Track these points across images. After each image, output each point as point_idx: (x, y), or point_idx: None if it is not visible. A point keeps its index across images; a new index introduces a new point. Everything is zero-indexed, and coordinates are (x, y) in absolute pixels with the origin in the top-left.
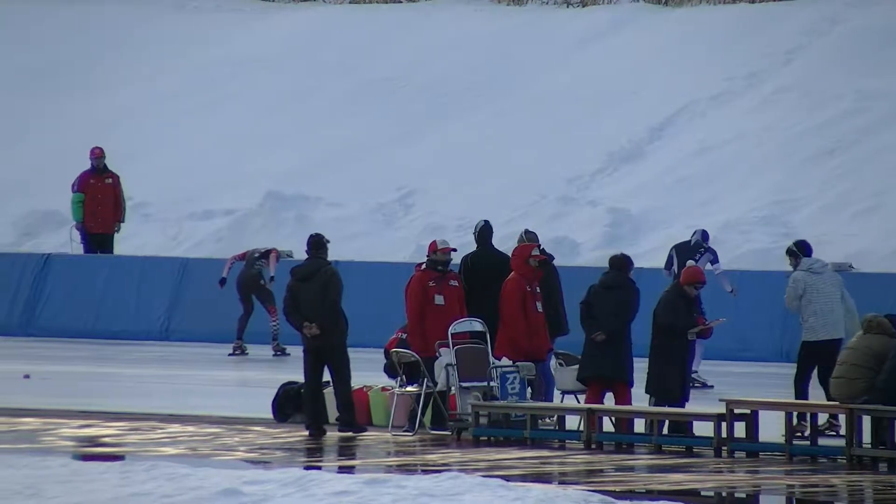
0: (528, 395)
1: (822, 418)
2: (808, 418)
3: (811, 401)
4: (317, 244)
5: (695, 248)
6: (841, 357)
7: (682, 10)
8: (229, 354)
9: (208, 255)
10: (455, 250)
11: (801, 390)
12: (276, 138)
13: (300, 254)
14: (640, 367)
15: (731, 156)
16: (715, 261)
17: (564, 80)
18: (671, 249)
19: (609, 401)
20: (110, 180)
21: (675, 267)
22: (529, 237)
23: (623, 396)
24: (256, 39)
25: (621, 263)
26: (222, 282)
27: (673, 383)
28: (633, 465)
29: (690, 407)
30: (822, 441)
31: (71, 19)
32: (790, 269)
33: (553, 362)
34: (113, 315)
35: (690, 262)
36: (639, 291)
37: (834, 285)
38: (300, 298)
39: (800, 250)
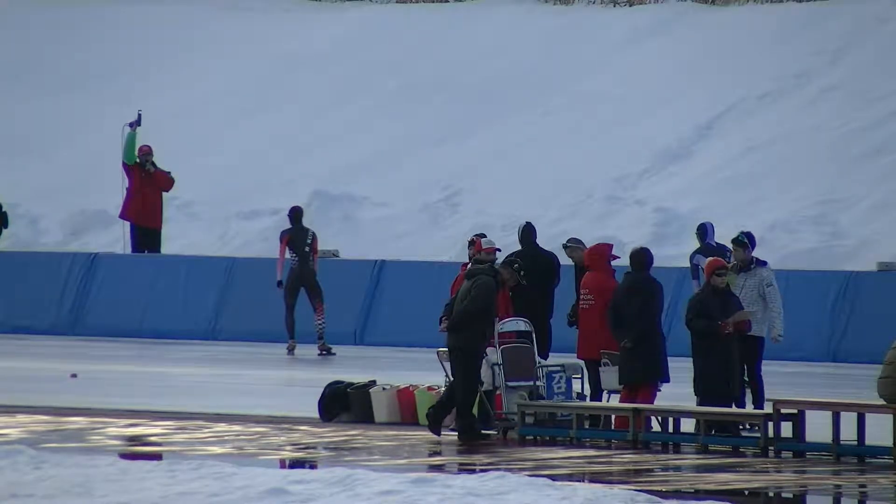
0: (574, 395)
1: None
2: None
3: (859, 400)
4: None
5: (721, 250)
6: (888, 356)
7: (730, 9)
8: (288, 354)
9: (255, 255)
10: (499, 250)
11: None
12: (322, 138)
13: (347, 253)
14: (683, 367)
15: (779, 155)
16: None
17: (611, 80)
18: (693, 258)
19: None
20: (152, 168)
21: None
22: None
23: (646, 397)
24: (305, 39)
25: (642, 262)
26: (280, 284)
27: (714, 382)
28: (679, 464)
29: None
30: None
31: (123, 21)
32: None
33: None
34: (160, 314)
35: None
36: (661, 288)
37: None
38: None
39: (750, 242)
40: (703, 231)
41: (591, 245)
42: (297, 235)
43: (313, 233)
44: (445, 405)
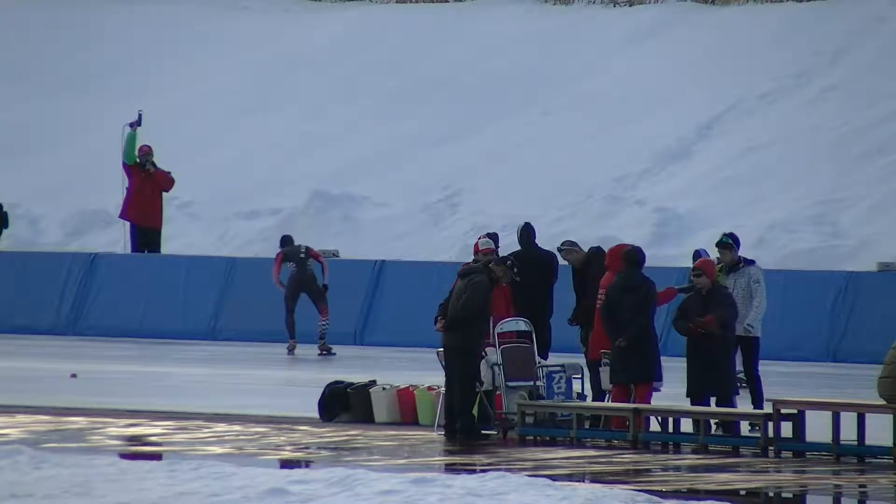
0: (574, 395)
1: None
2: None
3: (859, 400)
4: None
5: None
6: (888, 356)
7: (730, 9)
8: (288, 354)
9: (255, 255)
10: (497, 250)
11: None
12: (322, 138)
13: (346, 253)
14: (680, 367)
15: (779, 155)
16: None
17: (611, 80)
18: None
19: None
20: (152, 168)
21: None
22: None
23: (642, 396)
24: (304, 39)
25: (634, 260)
26: (283, 287)
27: (693, 382)
28: (679, 464)
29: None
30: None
31: (123, 21)
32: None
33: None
34: (160, 314)
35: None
36: (654, 287)
37: None
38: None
39: (735, 243)
40: (699, 257)
41: (612, 246)
42: (290, 251)
43: (306, 246)
44: (450, 417)
